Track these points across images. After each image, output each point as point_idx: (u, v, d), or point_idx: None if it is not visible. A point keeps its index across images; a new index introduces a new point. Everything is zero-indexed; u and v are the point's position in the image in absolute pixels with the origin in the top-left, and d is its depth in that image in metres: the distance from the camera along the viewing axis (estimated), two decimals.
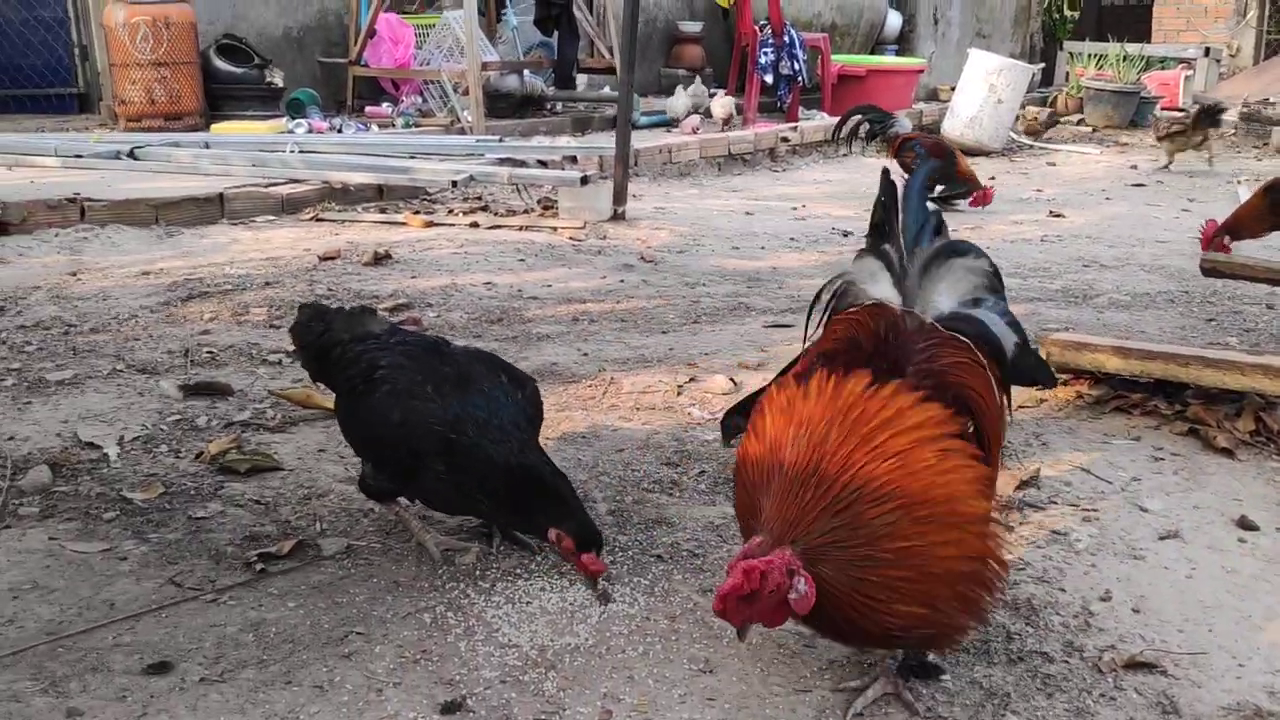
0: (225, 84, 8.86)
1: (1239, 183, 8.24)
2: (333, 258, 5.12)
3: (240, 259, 5.17)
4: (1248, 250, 5.17)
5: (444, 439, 2.28)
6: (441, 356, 2.46)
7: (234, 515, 2.61)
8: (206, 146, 7.38)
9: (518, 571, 2.37)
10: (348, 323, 2.59)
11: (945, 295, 1.99)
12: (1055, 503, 2.74)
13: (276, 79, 8.98)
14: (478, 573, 2.35)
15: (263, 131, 8.09)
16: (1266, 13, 16.05)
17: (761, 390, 2.82)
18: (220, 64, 8.85)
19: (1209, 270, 4.10)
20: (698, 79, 10.67)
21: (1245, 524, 2.63)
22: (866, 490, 1.65)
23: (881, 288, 2.00)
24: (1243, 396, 3.26)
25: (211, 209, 6.04)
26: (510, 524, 2.43)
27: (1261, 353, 3.62)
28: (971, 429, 1.85)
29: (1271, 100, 11.82)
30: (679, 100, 10.20)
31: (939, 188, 7.12)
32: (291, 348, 3.79)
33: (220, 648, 2.07)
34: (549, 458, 2.36)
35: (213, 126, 8.40)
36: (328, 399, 3.32)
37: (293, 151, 6.97)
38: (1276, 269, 4.02)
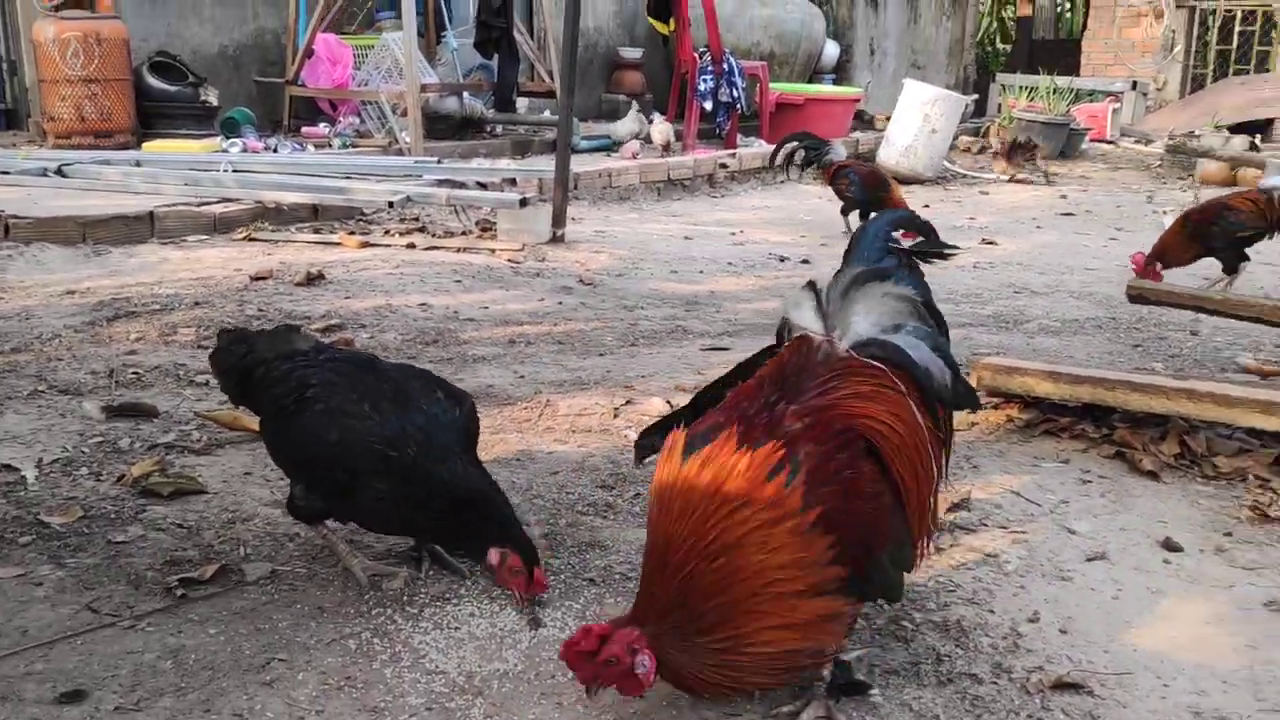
0: (158, 102, 8.71)
1: (1164, 213, 8.45)
2: (264, 278, 5.04)
3: (170, 279, 5.07)
4: (1173, 276, 5.31)
5: (384, 457, 2.23)
6: (376, 373, 2.42)
7: (155, 539, 2.54)
8: (138, 165, 7.25)
9: (447, 596, 2.33)
10: (271, 341, 2.54)
11: (863, 320, 1.96)
12: (986, 525, 2.77)
13: (211, 97, 8.85)
14: (405, 598, 2.31)
15: (196, 150, 7.96)
16: (1192, 48, 16.54)
17: (678, 413, 2.82)
18: (153, 81, 8.70)
19: (1135, 297, 4.19)
20: (634, 105, 10.73)
21: (1170, 545, 2.67)
22: (699, 588, 1.72)
23: (805, 316, 1.98)
24: (1167, 420, 3.32)
25: (141, 228, 5.92)
26: (449, 544, 2.39)
27: (1186, 377, 3.69)
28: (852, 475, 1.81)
29: (1196, 133, 12.15)
30: (624, 125, 10.24)
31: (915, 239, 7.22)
32: None
33: (137, 675, 2.00)
34: (490, 476, 2.34)
35: (145, 145, 8.26)
36: (256, 420, 3.27)
37: (226, 171, 6.87)
38: (1199, 295, 4.12)
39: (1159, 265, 5.24)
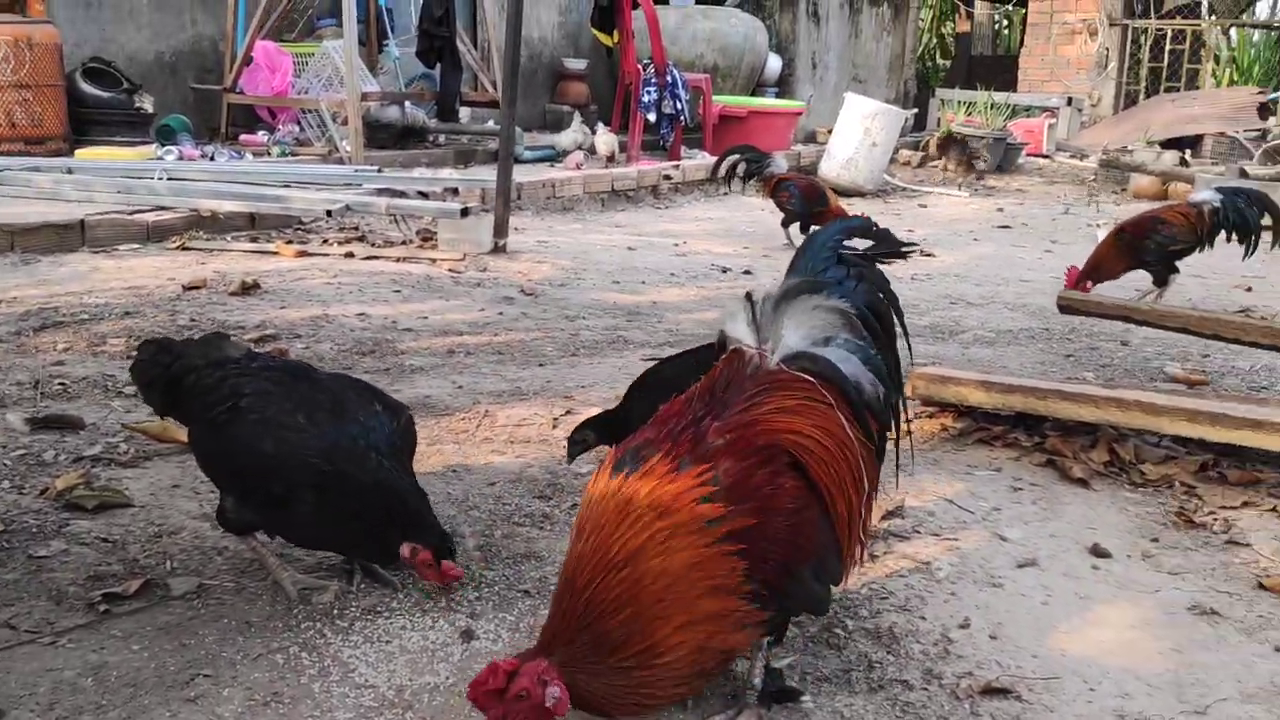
0: (92, 108, 8.53)
1: (1097, 226, 8.63)
2: (198, 287, 4.95)
3: (100, 288, 4.97)
4: (1106, 289, 5.42)
5: (320, 470, 2.20)
6: (311, 383, 2.38)
7: (78, 554, 2.47)
8: (70, 172, 7.09)
9: (378, 609, 2.30)
10: (202, 349, 2.49)
11: (794, 333, 1.93)
12: (919, 532, 2.79)
13: (147, 104, 8.70)
14: (335, 612, 2.28)
15: (131, 158, 7.81)
16: (1126, 65, 16.92)
17: (611, 412, 2.82)
18: (87, 87, 8.53)
19: (1065, 308, 4.27)
20: (578, 115, 10.74)
21: (1099, 551, 2.71)
22: (605, 603, 1.69)
23: (739, 329, 1.96)
24: (1097, 429, 3.38)
25: (72, 236, 5.80)
26: (375, 559, 2.37)
27: (1115, 386, 3.76)
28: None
29: (1129, 148, 12.42)
30: (567, 135, 10.25)
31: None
32: None
33: (56, 693, 1.95)
34: (414, 480, 2.31)
35: (78, 152, 8.08)
36: (185, 431, 3.20)
37: (161, 179, 6.75)
38: (1127, 306, 4.20)
39: (1090, 283, 5.34)
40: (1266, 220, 5.39)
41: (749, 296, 1.99)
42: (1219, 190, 5.50)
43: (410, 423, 2.45)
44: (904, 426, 2.12)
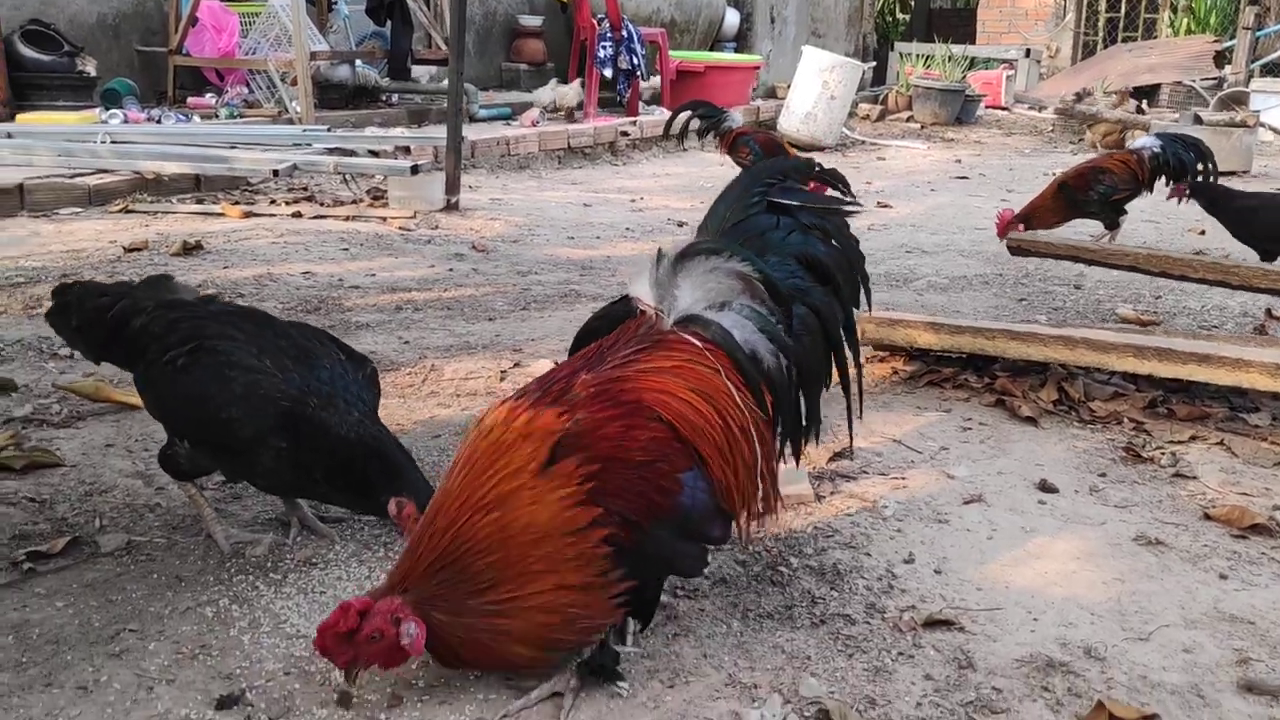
0: (32, 73, 8.29)
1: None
2: (139, 249, 4.84)
3: (38, 252, 4.84)
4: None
5: (289, 414, 2.12)
6: (274, 329, 2.30)
7: (3, 514, 2.40)
8: (9, 136, 6.91)
9: (314, 561, 2.25)
10: (150, 290, 2.39)
11: (688, 296, 1.86)
12: (866, 473, 2.77)
13: (89, 68, 8.47)
14: (269, 564, 2.22)
15: (74, 122, 7.61)
16: (1083, 15, 16.91)
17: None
18: (26, 51, 8.28)
19: (1015, 249, 4.25)
20: (555, 78, 10.66)
21: (1045, 487, 2.70)
22: (472, 543, 1.66)
23: (640, 287, 1.89)
24: (1048, 368, 3.37)
25: (9, 201, 5.65)
26: (348, 504, 2.28)
27: (1064, 326, 3.75)
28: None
29: (1075, 98, 12.41)
30: (544, 93, 10.27)
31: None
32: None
33: None
34: (390, 432, 2.25)
35: (18, 117, 7.86)
36: (121, 391, 3.13)
37: (104, 142, 6.59)
38: (1076, 246, 4.19)
39: (1021, 226, 5.29)
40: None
41: (660, 253, 1.90)
42: (1158, 136, 5.51)
43: (375, 374, 2.38)
44: (859, 378, 2.08)
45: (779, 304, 1.88)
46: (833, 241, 2.07)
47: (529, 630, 1.68)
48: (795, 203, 2.03)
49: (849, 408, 2.11)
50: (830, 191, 2.23)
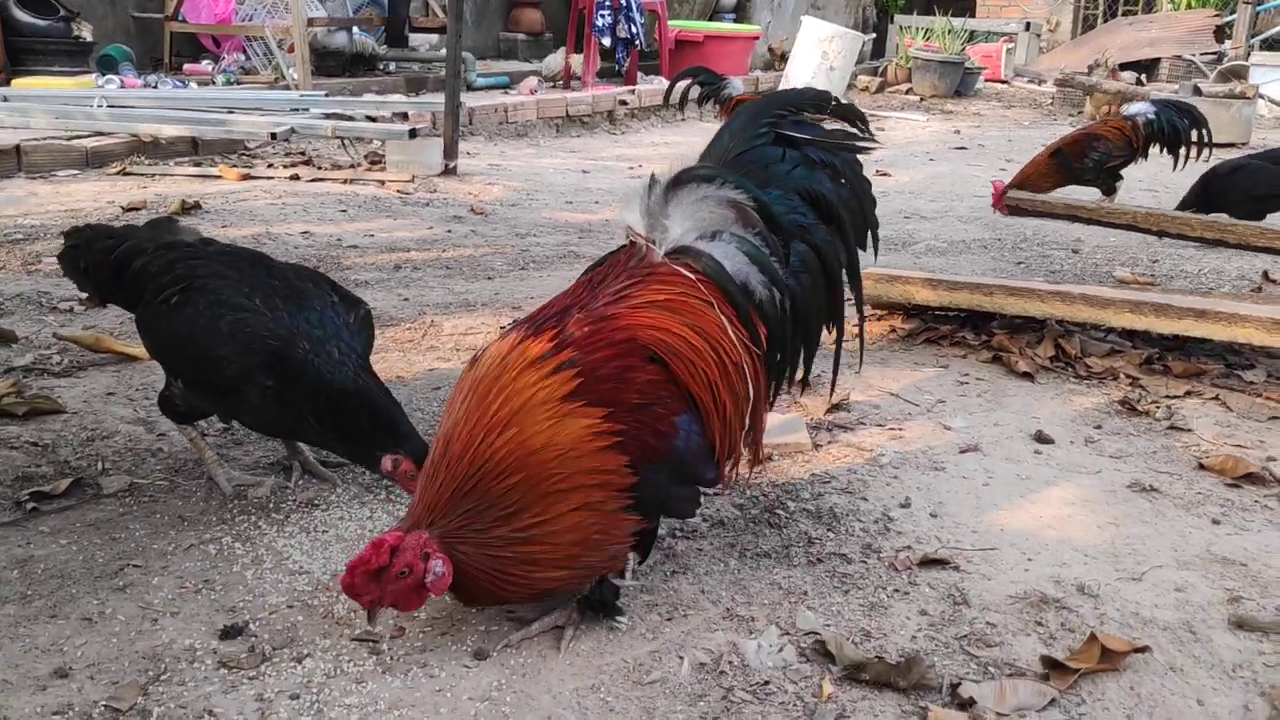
0: (28, 37, 8.24)
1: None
2: (137, 209, 4.83)
3: (37, 211, 4.84)
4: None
5: (276, 353, 2.11)
6: (269, 270, 2.30)
7: (6, 457, 2.42)
8: (5, 100, 6.88)
9: (315, 503, 2.27)
10: (152, 231, 2.40)
11: (678, 226, 1.79)
12: (864, 424, 2.79)
13: (85, 33, 8.42)
14: (271, 505, 2.24)
15: (70, 88, 7.57)
16: None
17: None
18: (21, 15, 8.23)
19: (1013, 208, 4.26)
20: (562, 46, 10.68)
21: (1041, 438, 2.72)
22: (490, 466, 1.61)
23: (632, 215, 1.82)
24: (1044, 325, 3.39)
25: (7, 162, 5.64)
26: (338, 450, 2.28)
27: (1060, 283, 3.76)
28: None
29: (1085, 71, 12.39)
30: (554, 59, 10.37)
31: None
32: (84, 294, 3.58)
33: None
34: (383, 383, 2.25)
35: (14, 82, 7.83)
36: (121, 342, 3.14)
37: (101, 106, 6.56)
38: (1072, 205, 4.19)
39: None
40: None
41: (653, 179, 1.84)
42: (1153, 103, 5.49)
43: (368, 316, 2.37)
44: (861, 324, 2.03)
45: (777, 234, 1.83)
46: (842, 180, 2.00)
47: (559, 555, 1.64)
48: (804, 135, 1.97)
49: (836, 357, 2.08)
50: (848, 128, 2.13)
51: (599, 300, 1.75)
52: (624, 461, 1.64)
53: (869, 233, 2.09)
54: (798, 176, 1.95)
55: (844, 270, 2.01)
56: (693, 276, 1.77)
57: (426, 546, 1.61)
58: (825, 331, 2.04)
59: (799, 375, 1.99)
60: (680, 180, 1.79)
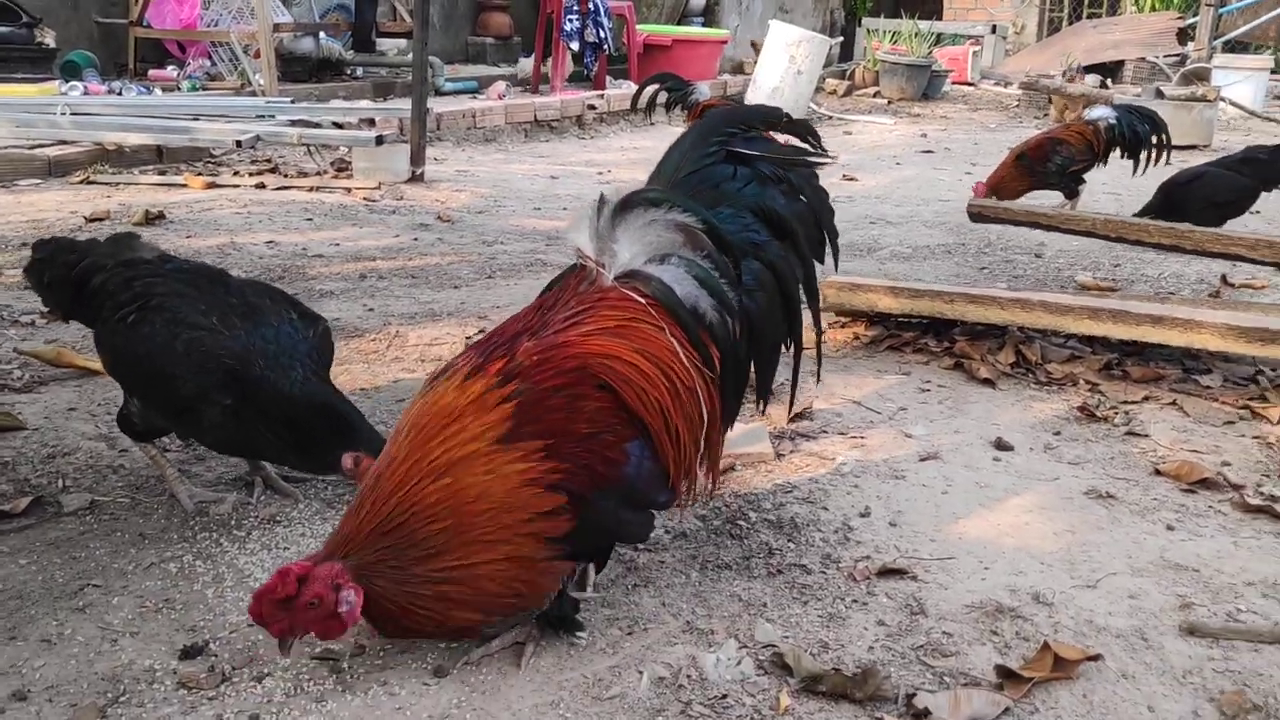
0: None
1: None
2: (101, 219, 4.80)
3: None
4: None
5: (231, 372, 2.12)
6: (226, 287, 2.30)
7: None
8: None
9: (277, 519, 2.27)
10: (112, 247, 2.40)
11: (626, 250, 1.77)
12: (826, 432, 2.81)
13: (48, 39, 8.35)
14: (233, 522, 2.24)
15: (32, 95, 7.51)
16: None
17: None
18: None
19: (976, 215, 4.30)
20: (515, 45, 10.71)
21: (1001, 445, 2.76)
22: (418, 510, 1.61)
23: (581, 237, 1.80)
24: (1005, 333, 3.43)
25: None
26: (298, 465, 2.29)
27: (1021, 290, 3.81)
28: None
29: (1050, 74, 12.51)
30: (529, 61, 10.41)
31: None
32: (46, 308, 3.55)
33: None
34: (337, 389, 2.25)
35: None
36: (83, 357, 3.12)
37: (64, 114, 6.51)
38: (1034, 212, 4.24)
39: (994, 198, 5.40)
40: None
41: (601, 199, 1.81)
42: (1114, 108, 5.60)
43: (327, 332, 2.38)
44: (818, 335, 2.03)
45: (728, 256, 1.82)
46: (800, 195, 1.99)
47: (475, 597, 1.64)
48: (755, 152, 1.96)
49: (795, 369, 2.09)
50: (798, 143, 2.13)
51: (550, 327, 1.74)
52: (562, 503, 1.63)
53: (827, 244, 2.10)
54: (749, 194, 1.94)
55: (800, 285, 2.01)
56: (643, 301, 1.75)
57: (338, 578, 1.59)
58: (784, 347, 2.04)
59: (759, 394, 2.00)
60: (628, 204, 1.78)
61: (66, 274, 2.35)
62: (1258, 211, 5.44)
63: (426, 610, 1.63)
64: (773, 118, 2.11)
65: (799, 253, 2.00)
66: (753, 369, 1.96)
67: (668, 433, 1.73)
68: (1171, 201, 4.82)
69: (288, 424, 2.14)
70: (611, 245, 1.78)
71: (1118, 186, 6.83)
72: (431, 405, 1.68)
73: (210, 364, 2.12)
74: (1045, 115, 11.54)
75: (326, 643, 1.71)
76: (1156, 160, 5.50)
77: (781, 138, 2.15)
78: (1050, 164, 5.43)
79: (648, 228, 1.77)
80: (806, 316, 2.07)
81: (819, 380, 3.05)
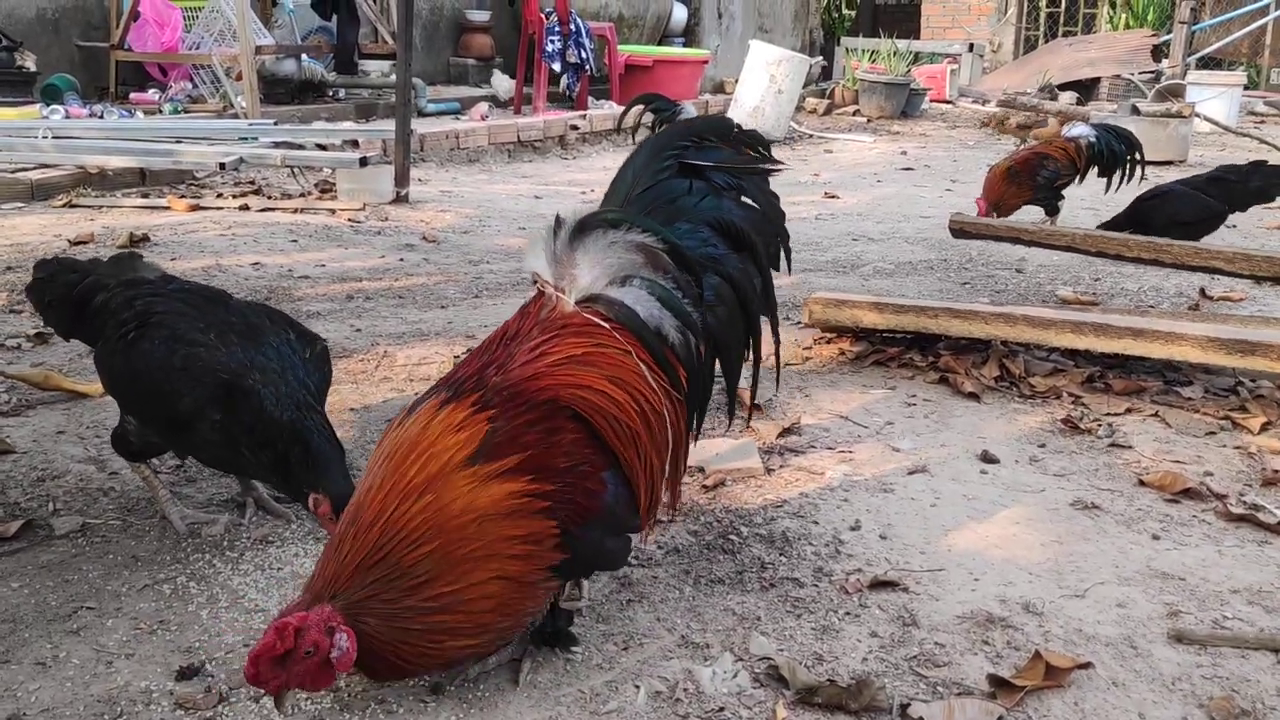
0: None
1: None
2: (85, 242, 4.79)
3: None
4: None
5: (226, 385, 2.12)
6: (226, 307, 2.32)
7: None
8: None
9: (270, 540, 2.27)
10: (115, 267, 2.41)
11: (587, 274, 1.73)
12: (814, 447, 2.83)
13: (29, 63, 8.34)
14: (226, 543, 2.24)
15: (12, 118, 7.50)
16: (1024, 10, 17.19)
17: None
18: None
19: (957, 231, 4.34)
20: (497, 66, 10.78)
21: (987, 458, 2.78)
22: (402, 535, 1.55)
23: (538, 261, 1.76)
24: (989, 347, 3.46)
25: None
26: (276, 485, 2.28)
27: (1004, 304, 3.85)
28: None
29: (1026, 91, 12.65)
30: (501, 81, 10.55)
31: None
32: (33, 331, 3.55)
33: None
34: (328, 422, 2.25)
35: None
36: (70, 379, 3.12)
37: (45, 137, 6.50)
38: (1014, 227, 4.29)
39: (995, 214, 5.53)
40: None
41: (557, 221, 1.76)
42: (1094, 126, 5.74)
43: (325, 352, 2.38)
44: (776, 344, 1.99)
45: (689, 274, 1.78)
46: (751, 202, 1.98)
47: (471, 623, 1.59)
48: (708, 162, 1.94)
49: (754, 375, 2.07)
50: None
51: (516, 359, 1.70)
52: (553, 528, 1.61)
53: (781, 249, 2.08)
54: (706, 207, 1.92)
55: (758, 295, 1.98)
56: (607, 325, 1.72)
57: (330, 620, 1.53)
58: (744, 359, 2.02)
59: (728, 408, 2.01)
60: (586, 226, 1.73)
61: (68, 293, 2.38)
62: (1234, 226, 5.52)
63: (423, 646, 1.58)
64: (723, 129, 2.08)
65: (757, 264, 1.97)
66: (717, 383, 1.94)
67: (639, 458, 1.71)
68: (1137, 218, 4.89)
69: (265, 441, 2.14)
70: (571, 270, 1.74)
71: (1095, 202, 6.90)
72: (404, 434, 1.64)
73: (206, 378, 2.13)
74: (1023, 131, 11.66)
75: (315, 693, 1.65)
76: (1130, 177, 5.63)
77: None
78: (1039, 177, 5.56)
79: (608, 250, 1.73)
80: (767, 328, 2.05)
81: (777, 391, 3.09)
